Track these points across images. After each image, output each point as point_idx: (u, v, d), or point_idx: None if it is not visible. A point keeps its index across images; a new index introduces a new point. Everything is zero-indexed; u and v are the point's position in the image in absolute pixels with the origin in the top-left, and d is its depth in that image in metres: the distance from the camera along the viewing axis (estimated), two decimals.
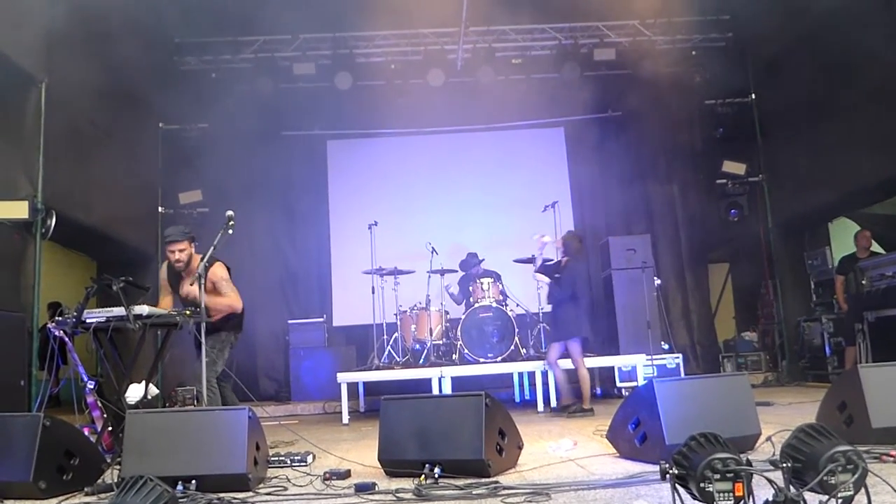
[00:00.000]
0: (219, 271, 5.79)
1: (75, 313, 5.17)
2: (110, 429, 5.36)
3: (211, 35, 10.46)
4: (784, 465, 2.68)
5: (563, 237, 8.05)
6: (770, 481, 2.55)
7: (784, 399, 7.73)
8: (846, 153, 8.58)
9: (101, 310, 5.27)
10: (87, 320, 5.15)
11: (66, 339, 5.30)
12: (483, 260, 9.55)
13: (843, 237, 9.71)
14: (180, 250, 5.79)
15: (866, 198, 9.46)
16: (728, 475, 2.59)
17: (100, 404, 5.47)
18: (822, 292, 9.94)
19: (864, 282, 8.25)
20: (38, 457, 3.84)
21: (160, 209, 10.70)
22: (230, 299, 5.81)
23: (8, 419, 4.10)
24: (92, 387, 5.48)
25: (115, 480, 3.98)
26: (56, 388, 6.36)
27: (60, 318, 5.23)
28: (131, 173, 9.82)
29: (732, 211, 10.94)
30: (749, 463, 2.64)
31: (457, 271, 9.64)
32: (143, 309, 5.14)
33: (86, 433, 4.94)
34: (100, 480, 4.16)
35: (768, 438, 4.11)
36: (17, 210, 7.03)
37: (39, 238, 7.30)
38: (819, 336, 9.61)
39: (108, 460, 4.56)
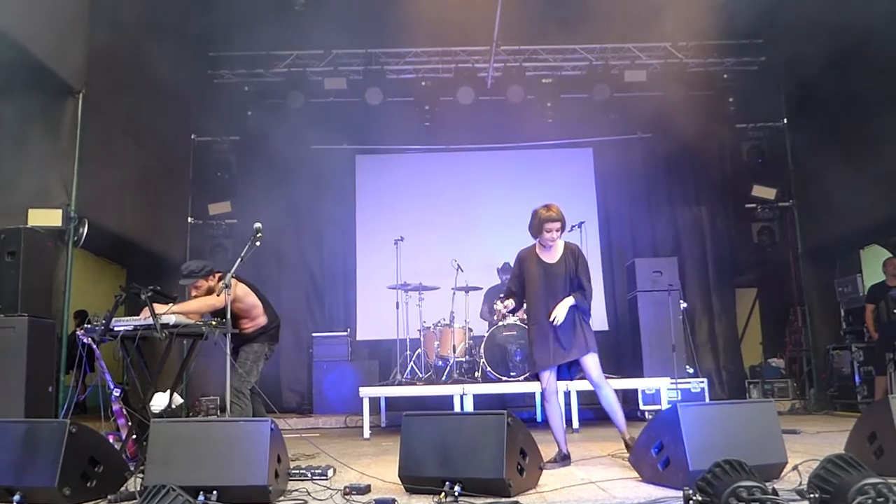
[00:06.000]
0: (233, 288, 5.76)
1: (103, 321, 5.23)
2: (135, 437, 5.40)
3: (245, 49, 10.61)
4: (811, 495, 2.64)
5: None
6: None
7: (811, 427, 7.59)
8: (879, 180, 8.45)
9: (128, 318, 5.34)
10: (115, 328, 5.21)
11: (94, 346, 5.36)
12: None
13: (875, 265, 9.52)
14: (196, 287, 5.93)
15: None
16: None
17: (125, 412, 5.53)
18: (852, 320, 9.77)
19: (895, 310, 8.09)
20: (63, 463, 3.87)
21: (190, 219, 10.86)
22: (210, 300, 5.76)
23: (35, 425, 4.14)
24: (118, 394, 5.54)
25: (138, 489, 4.01)
26: (83, 395, 6.45)
27: (89, 326, 5.30)
28: (163, 184, 9.98)
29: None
30: (775, 492, 2.61)
31: (481, 288, 9.62)
32: (170, 318, 5.20)
33: (110, 440, 4.98)
34: (123, 488, 4.19)
35: (795, 467, 4.04)
36: (51, 218, 7.16)
37: (71, 246, 7.41)
38: (848, 364, 9.44)
39: (132, 468, 4.59)
